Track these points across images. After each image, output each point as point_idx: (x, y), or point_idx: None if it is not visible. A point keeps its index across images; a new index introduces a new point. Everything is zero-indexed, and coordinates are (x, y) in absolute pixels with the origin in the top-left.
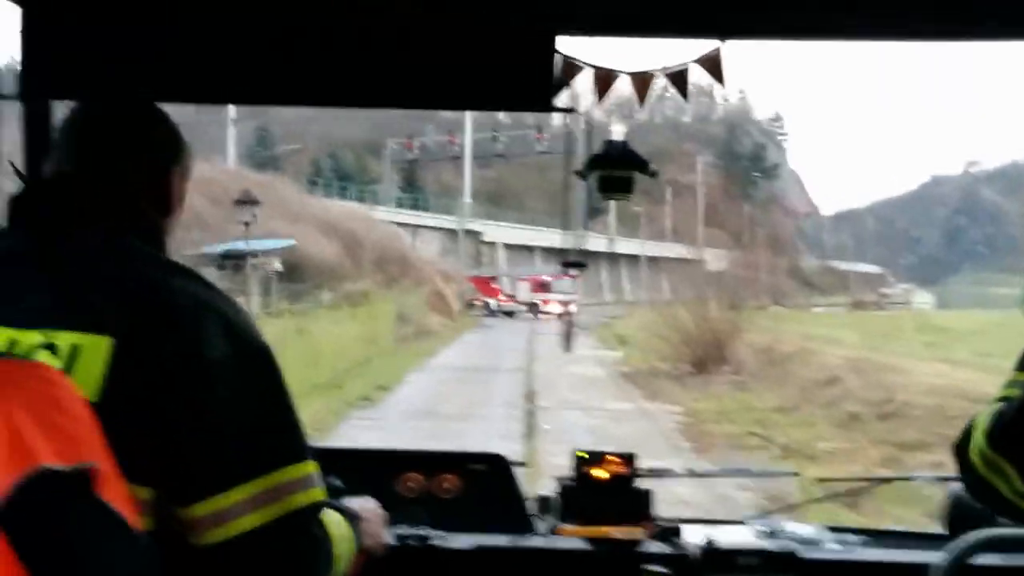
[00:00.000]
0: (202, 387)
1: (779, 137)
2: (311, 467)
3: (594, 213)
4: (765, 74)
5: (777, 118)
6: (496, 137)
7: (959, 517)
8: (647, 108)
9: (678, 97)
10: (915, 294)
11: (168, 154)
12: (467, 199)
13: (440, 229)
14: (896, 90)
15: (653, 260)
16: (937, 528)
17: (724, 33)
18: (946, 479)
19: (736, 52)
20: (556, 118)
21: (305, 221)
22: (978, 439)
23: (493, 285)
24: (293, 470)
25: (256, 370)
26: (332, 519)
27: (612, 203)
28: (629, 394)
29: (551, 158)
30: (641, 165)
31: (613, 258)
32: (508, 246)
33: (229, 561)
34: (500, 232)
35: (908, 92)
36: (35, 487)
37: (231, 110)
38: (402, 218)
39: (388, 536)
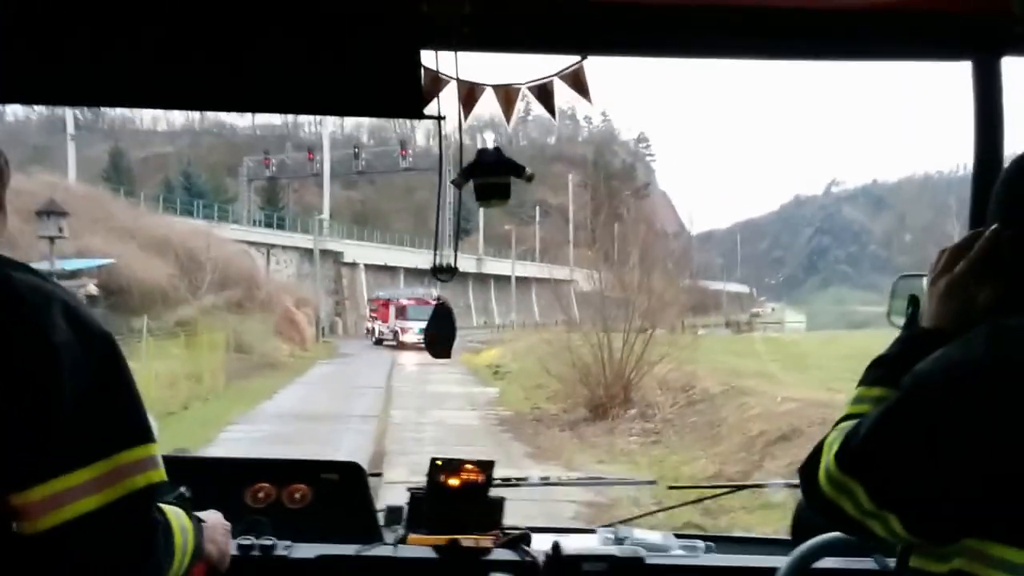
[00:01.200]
0: (46, 372)
1: (647, 157)
2: (153, 448)
3: (461, 233)
4: (629, 95)
5: (643, 139)
6: (358, 154)
7: (805, 523)
8: (512, 129)
9: (543, 119)
10: (787, 314)
11: None
12: (325, 215)
13: (297, 249)
14: (758, 111)
15: (523, 281)
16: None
17: (585, 49)
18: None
19: (599, 70)
20: (420, 136)
21: (136, 238)
22: (828, 460)
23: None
24: (136, 452)
25: (99, 354)
26: (173, 511)
27: (480, 223)
28: (509, 451)
29: (417, 180)
30: (516, 170)
31: (481, 279)
32: (371, 267)
33: (65, 544)
34: (362, 252)
35: (770, 113)
36: None
37: (69, 125)
38: (253, 237)
39: (230, 545)
